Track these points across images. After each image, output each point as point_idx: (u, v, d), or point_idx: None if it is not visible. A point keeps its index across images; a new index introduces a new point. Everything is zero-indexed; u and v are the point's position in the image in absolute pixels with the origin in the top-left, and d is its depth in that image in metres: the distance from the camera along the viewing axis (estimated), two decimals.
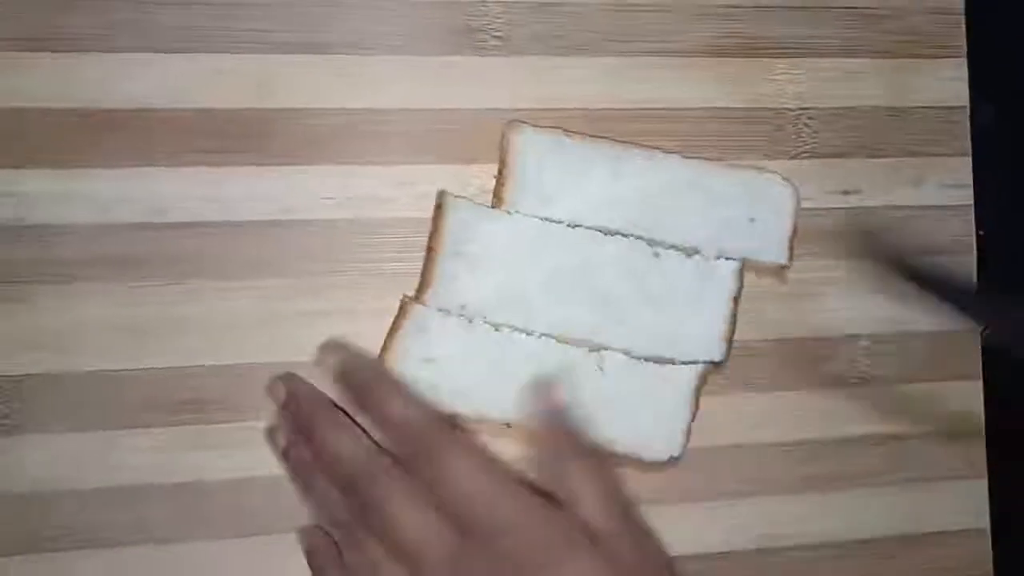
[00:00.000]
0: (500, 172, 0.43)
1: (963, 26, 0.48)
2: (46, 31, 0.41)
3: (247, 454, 0.42)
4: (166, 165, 0.42)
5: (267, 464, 0.42)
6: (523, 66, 0.45)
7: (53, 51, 0.41)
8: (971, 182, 0.48)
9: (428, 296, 0.42)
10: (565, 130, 0.44)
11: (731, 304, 0.44)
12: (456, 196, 0.43)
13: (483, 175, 0.44)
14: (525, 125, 0.44)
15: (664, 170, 0.44)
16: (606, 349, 0.43)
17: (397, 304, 0.43)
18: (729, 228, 0.45)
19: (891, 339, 0.47)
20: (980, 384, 0.48)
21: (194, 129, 0.42)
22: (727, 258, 0.44)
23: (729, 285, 0.44)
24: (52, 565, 0.40)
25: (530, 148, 0.43)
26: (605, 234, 0.43)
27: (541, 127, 0.44)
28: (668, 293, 0.43)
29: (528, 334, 0.42)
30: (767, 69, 0.47)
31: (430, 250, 0.43)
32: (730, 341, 0.44)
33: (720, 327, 0.44)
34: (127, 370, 0.41)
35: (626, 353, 0.43)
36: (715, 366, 0.44)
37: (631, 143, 0.44)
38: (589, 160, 0.44)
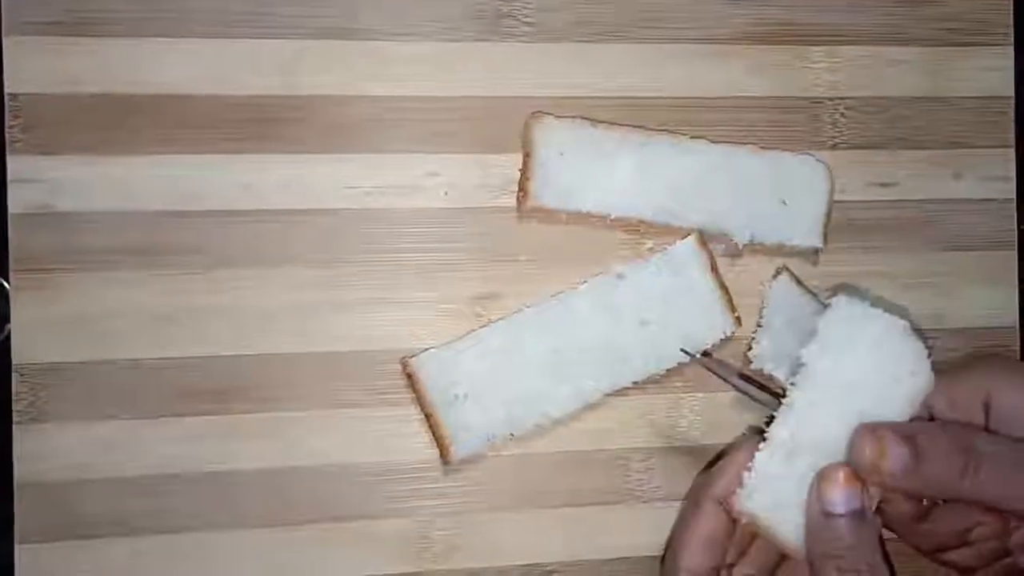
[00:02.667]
0: (524, 163, 0.43)
1: (1011, 12, 0.47)
2: (76, 17, 0.41)
3: (276, 444, 0.42)
4: (194, 152, 0.42)
5: (296, 454, 0.42)
6: (553, 53, 0.44)
7: (83, 36, 0.41)
8: (1014, 175, 0.47)
9: (451, 455, 0.42)
10: (589, 119, 0.43)
11: (711, 275, 0.43)
12: (415, 355, 0.42)
13: (509, 164, 0.43)
14: (548, 116, 0.43)
15: (692, 155, 0.43)
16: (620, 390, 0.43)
17: (424, 294, 0.43)
18: (760, 212, 0.44)
19: (929, 333, 0.46)
20: None
21: (222, 116, 0.42)
22: (757, 241, 0.43)
23: (698, 260, 0.43)
24: (83, 552, 0.41)
25: (553, 138, 0.43)
26: (559, 299, 0.42)
27: (564, 117, 0.43)
28: (651, 304, 0.43)
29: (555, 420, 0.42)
30: (803, 57, 0.46)
31: (428, 416, 0.42)
32: (732, 307, 0.43)
33: (714, 303, 0.43)
34: (155, 359, 0.41)
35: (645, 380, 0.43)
36: (726, 338, 0.43)
37: (656, 130, 0.43)
38: (614, 148, 0.43)
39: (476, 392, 0.42)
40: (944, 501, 0.36)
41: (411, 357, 0.42)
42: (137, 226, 0.41)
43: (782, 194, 0.44)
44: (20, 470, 0.40)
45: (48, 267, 0.41)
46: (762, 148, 0.44)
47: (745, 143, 0.44)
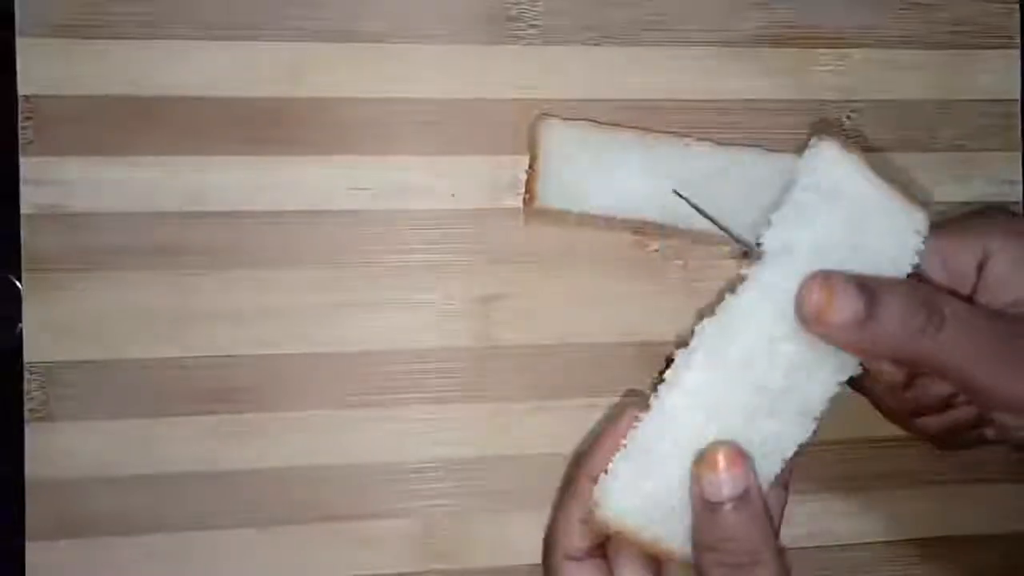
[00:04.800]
0: (530, 165, 0.43)
1: (1018, 15, 0.47)
2: (89, 19, 0.41)
3: (280, 444, 0.42)
4: (204, 154, 0.42)
5: (300, 454, 0.42)
6: (560, 56, 0.44)
7: (95, 39, 0.41)
8: (1021, 178, 0.47)
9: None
10: (595, 121, 0.43)
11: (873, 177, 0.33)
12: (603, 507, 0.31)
13: (517, 166, 0.43)
14: (554, 118, 0.43)
15: (698, 158, 0.43)
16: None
17: (429, 296, 0.43)
18: (767, 215, 0.44)
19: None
20: None
21: (231, 118, 0.42)
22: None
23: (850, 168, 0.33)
24: (92, 550, 0.41)
25: (559, 141, 0.43)
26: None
27: (570, 119, 0.43)
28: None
29: None
30: (811, 60, 0.46)
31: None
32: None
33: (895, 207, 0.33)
34: (165, 359, 0.42)
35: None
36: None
37: (663, 132, 0.44)
38: (620, 151, 0.43)
39: (650, 456, 0.31)
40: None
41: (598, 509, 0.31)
42: (147, 227, 0.42)
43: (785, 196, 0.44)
44: (31, 468, 0.41)
45: (59, 267, 0.41)
46: (769, 151, 0.44)
47: (752, 146, 0.44)
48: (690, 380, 0.30)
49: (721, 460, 0.29)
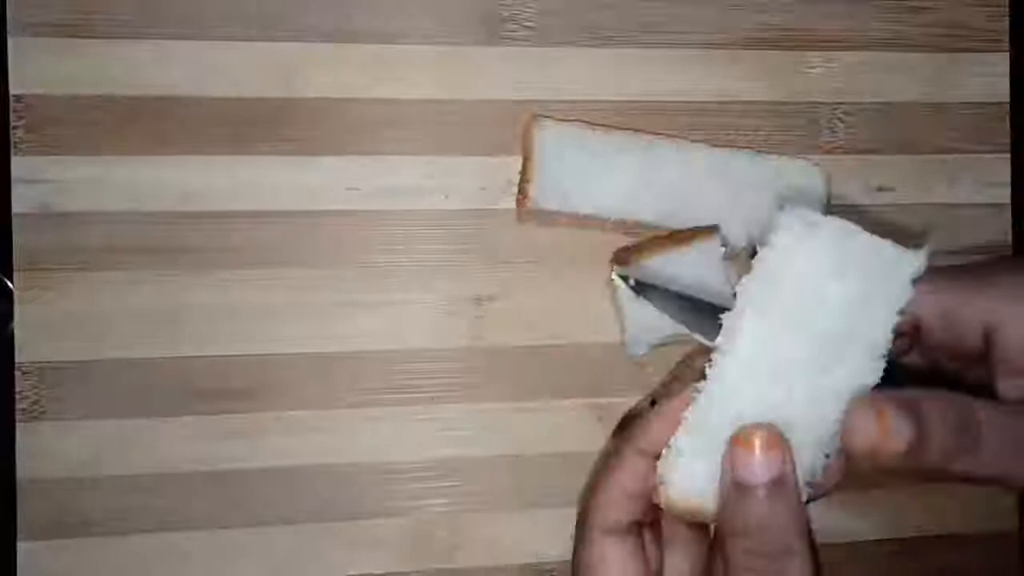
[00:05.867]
0: (523, 166, 0.43)
1: (1007, 18, 0.47)
2: (81, 19, 0.41)
3: (277, 443, 0.42)
4: (197, 153, 0.42)
5: (297, 454, 0.42)
6: (553, 57, 0.44)
7: (87, 38, 0.41)
8: (1009, 181, 0.47)
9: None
10: (588, 123, 0.43)
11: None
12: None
13: (509, 167, 0.44)
14: (547, 119, 0.43)
15: (691, 159, 0.44)
16: None
17: (424, 296, 0.43)
18: (758, 216, 0.44)
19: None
20: None
21: (224, 118, 0.42)
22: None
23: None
24: (84, 550, 0.41)
25: (552, 142, 0.43)
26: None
27: (563, 120, 0.43)
28: None
29: None
30: (802, 62, 0.46)
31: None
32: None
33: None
34: (157, 358, 0.42)
35: None
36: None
37: (656, 134, 0.44)
38: (613, 152, 0.43)
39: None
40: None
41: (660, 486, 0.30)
42: (140, 226, 0.41)
43: (780, 198, 0.44)
44: (23, 468, 0.41)
45: (51, 267, 0.41)
46: (760, 152, 0.45)
47: (744, 147, 0.45)
48: (744, 345, 0.28)
49: (757, 441, 0.28)
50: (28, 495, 0.41)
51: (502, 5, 0.44)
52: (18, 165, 0.41)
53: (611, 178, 0.43)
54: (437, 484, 0.43)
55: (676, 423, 0.29)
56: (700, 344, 0.32)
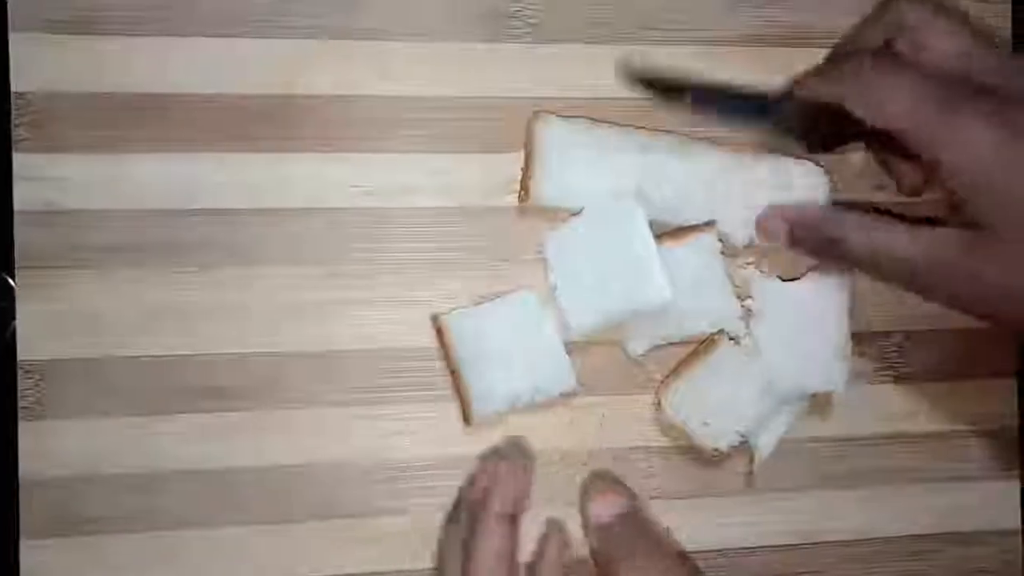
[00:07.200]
0: (526, 162, 0.43)
1: (1009, 18, 0.47)
2: (83, 16, 0.41)
3: (276, 442, 0.42)
4: (198, 151, 0.42)
5: (296, 452, 0.42)
6: (557, 54, 0.44)
7: (89, 35, 0.41)
8: None
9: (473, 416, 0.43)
10: (592, 119, 0.43)
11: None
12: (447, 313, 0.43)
13: (513, 164, 0.44)
14: (551, 115, 0.43)
15: (694, 157, 0.44)
16: None
17: (425, 294, 0.43)
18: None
19: (924, 336, 0.46)
20: (1014, 383, 0.47)
21: (224, 115, 0.42)
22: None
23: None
24: (86, 549, 0.41)
25: (556, 138, 0.43)
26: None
27: (567, 116, 0.43)
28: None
29: None
30: (806, 59, 0.45)
31: (453, 373, 0.43)
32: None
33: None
34: (158, 356, 0.41)
35: None
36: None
37: (659, 131, 0.44)
38: (616, 149, 0.43)
39: (502, 353, 0.42)
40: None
41: (443, 315, 0.42)
42: (141, 225, 0.41)
43: (782, 197, 0.44)
44: (25, 467, 0.41)
45: (53, 265, 0.41)
46: (763, 151, 0.44)
47: (746, 145, 0.44)
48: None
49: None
50: (30, 494, 0.41)
51: (506, 2, 0.44)
52: (20, 162, 0.41)
53: (614, 175, 0.43)
54: (436, 483, 0.43)
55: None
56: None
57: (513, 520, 0.39)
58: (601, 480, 0.43)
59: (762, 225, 0.43)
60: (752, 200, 0.44)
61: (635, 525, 0.40)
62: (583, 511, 0.41)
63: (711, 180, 0.44)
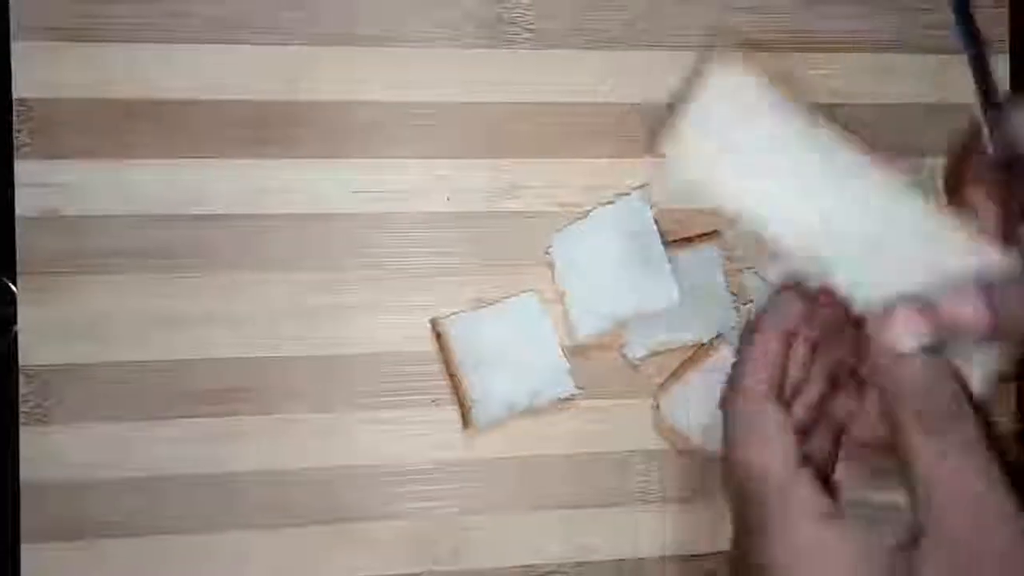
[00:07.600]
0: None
1: (1007, 21, 0.47)
2: (85, 23, 0.41)
3: (278, 446, 0.42)
4: (200, 157, 0.42)
5: (297, 456, 0.42)
6: (554, 59, 0.44)
7: (91, 42, 0.41)
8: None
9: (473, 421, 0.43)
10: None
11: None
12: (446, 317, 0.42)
13: (514, 169, 0.44)
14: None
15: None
16: None
17: (426, 298, 0.43)
18: None
19: None
20: (1014, 385, 0.47)
21: (227, 121, 0.42)
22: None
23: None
24: (87, 552, 0.41)
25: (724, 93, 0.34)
26: None
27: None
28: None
29: None
30: (802, 64, 0.46)
31: (452, 377, 0.43)
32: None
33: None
34: (160, 361, 0.42)
35: None
36: None
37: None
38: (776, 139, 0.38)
39: (502, 358, 0.42)
40: None
41: (443, 319, 0.43)
42: (142, 230, 0.42)
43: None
44: (26, 471, 0.41)
45: (55, 270, 0.41)
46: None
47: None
48: None
49: (901, 314, 0.29)
50: (31, 498, 0.41)
51: (503, 8, 0.44)
52: (22, 169, 0.41)
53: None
54: (438, 486, 0.43)
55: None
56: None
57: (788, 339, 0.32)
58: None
59: (951, 310, 0.29)
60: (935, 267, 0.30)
61: (941, 368, 0.29)
62: (873, 331, 0.29)
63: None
